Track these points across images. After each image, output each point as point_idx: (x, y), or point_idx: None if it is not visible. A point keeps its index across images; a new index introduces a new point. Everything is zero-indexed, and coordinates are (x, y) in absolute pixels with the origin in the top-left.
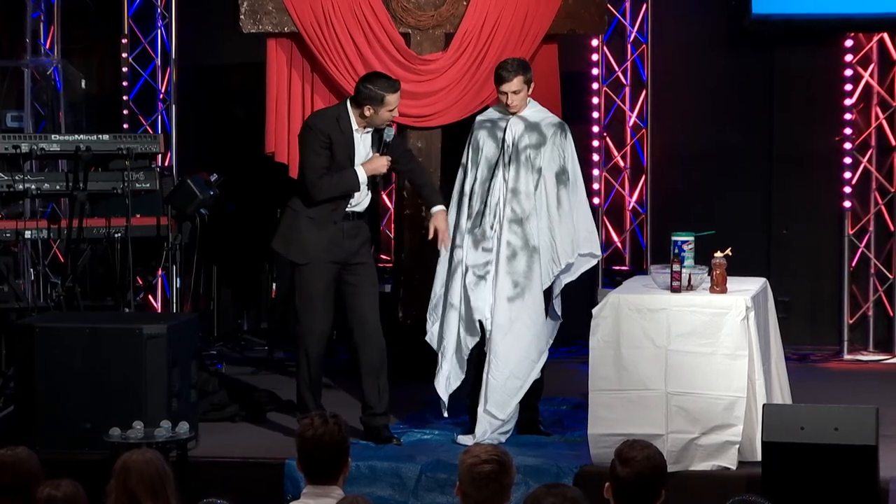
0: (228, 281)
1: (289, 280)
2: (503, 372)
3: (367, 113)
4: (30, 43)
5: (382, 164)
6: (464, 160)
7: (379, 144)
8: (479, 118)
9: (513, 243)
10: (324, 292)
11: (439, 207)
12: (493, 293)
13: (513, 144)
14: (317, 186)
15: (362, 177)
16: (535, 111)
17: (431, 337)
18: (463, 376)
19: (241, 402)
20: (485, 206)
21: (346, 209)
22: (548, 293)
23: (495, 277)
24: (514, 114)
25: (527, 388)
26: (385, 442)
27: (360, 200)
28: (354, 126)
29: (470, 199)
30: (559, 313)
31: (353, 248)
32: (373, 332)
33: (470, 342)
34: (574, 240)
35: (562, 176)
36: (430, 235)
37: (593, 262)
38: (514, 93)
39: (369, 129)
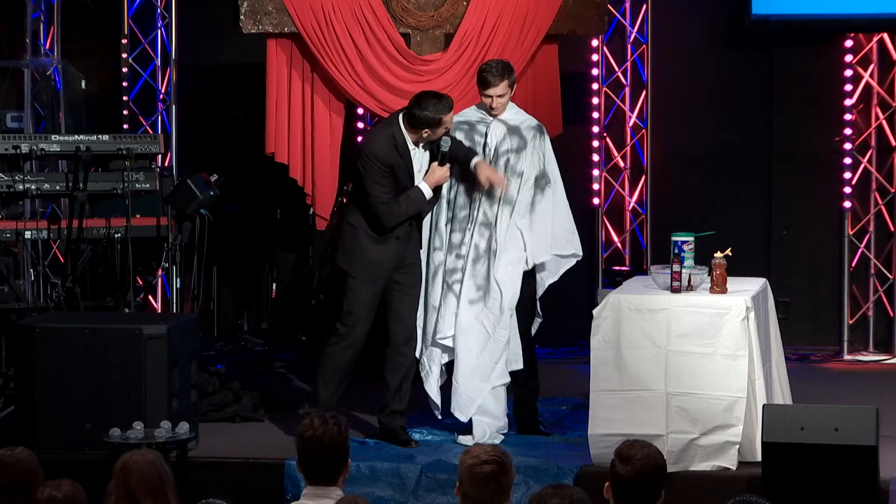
0: (228, 281)
1: (291, 276)
2: (464, 374)
3: (424, 135)
4: (30, 43)
5: (444, 174)
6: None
7: (436, 154)
8: (455, 118)
9: (479, 246)
10: (373, 301)
11: (477, 158)
12: (458, 298)
13: (494, 149)
14: (388, 215)
15: (427, 193)
16: (514, 113)
17: None
18: (445, 377)
19: (241, 402)
20: (466, 210)
21: (406, 224)
22: (532, 293)
23: (461, 283)
24: (495, 116)
25: (487, 390)
26: (404, 444)
27: None
28: (410, 146)
29: (448, 204)
30: (539, 312)
31: (406, 252)
32: (410, 332)
33: (444, 357)
34: (547, 241)
35: (540, 180)
36: (486, 186)
37: (573, 261)
38: (499, 96)
39: (422, 140)
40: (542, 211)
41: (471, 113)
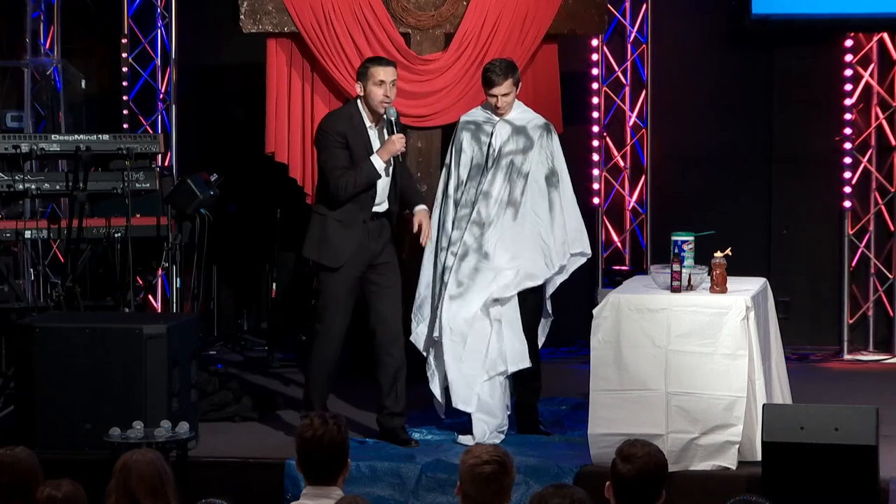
0: (228, 281)
1: (291, 276)
2: (455, 366)
3: (359, 91)
4: (30, 43)
5: (395, 141)
6: (448, 161)
7: (390, 130)
8: (463, 118)
9: (468, 244)
10: (347, 295)
11: (422, 207)
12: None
13: (498, 149)
14: (341, 182)
15: (378, 164)
16: (520, 113)
17: (416, 338)
18: None
19: (241, 402)
20: (466, 209)
21: (372, 209)
22: (541, 292)
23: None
24: (501, 116)
25: (483, 379)
26: (404, 444)
27: (382, 201)
28: (368, 123)
29: (455, 204)
30: (550, 311)
31: (378, 249)
32: (395, 332)
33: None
34: (566, 241)
35: (551, 178)
36: (416, 229)
37: (583, 260)
38: (504, 95)
39: (382, 123)
40: (558, 212)
41: (477, 113)
